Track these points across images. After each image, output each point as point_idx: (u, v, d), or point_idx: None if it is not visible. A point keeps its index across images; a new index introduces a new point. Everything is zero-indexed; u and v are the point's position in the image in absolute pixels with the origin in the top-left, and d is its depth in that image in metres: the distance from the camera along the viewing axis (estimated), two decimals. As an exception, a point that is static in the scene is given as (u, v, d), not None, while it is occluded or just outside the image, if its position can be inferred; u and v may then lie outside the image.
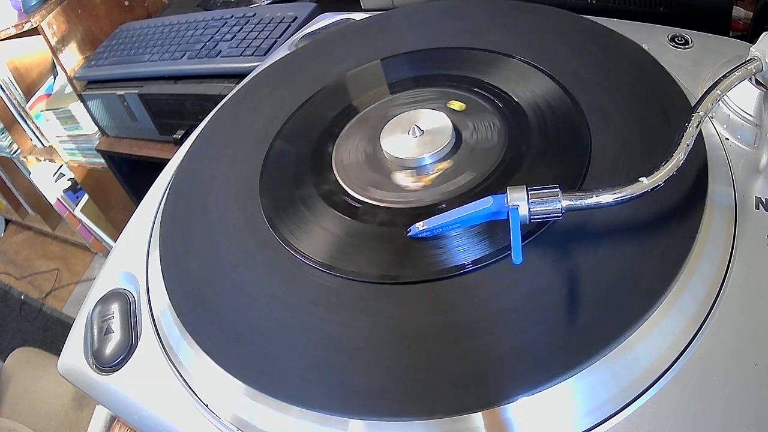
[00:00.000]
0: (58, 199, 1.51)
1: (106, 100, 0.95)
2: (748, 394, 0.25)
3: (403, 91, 0.46)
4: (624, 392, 0.26)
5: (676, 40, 0.44)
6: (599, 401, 0.26)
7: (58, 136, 1.30)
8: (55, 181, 1.49)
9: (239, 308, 0.35)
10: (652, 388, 0.26)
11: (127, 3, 1.13)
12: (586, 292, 0.30)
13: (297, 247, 0.36)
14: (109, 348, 0.36)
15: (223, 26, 0.84)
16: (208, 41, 0.83)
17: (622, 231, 0.32)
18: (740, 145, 0.36)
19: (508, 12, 0.51)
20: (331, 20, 0.61)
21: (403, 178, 0.39)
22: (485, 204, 0.31)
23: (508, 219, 0.30)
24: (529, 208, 0.30)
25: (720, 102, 0.36)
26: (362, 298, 0.33)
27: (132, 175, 1.12)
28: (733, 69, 0.33)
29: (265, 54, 0.75)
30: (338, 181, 0.40)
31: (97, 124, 1.04)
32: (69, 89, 1.14)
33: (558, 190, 0.30)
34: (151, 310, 0.38)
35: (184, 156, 0.48)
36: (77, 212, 1.51)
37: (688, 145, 0.30)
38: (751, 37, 0.46)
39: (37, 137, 1.39)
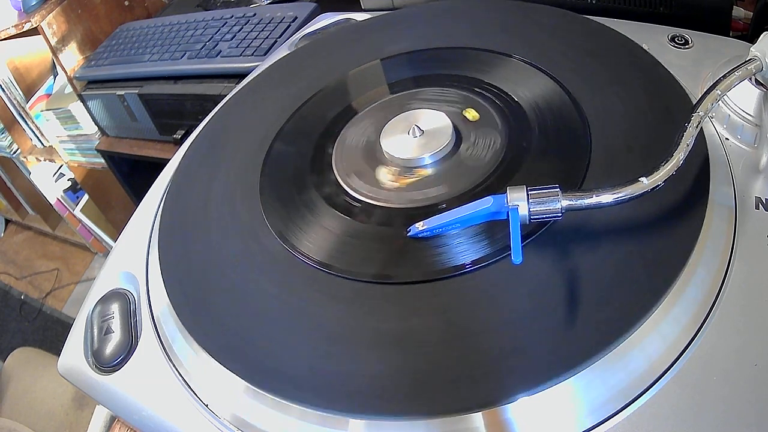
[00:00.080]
0: (58, 199, 1.51)
1: (106, 100, 0.95)
2: (748, 394, 0.26)
3: (403, 91, 0.46)
4: (624, 392, 0.26)
5: (676, 40, 0.44)
6: (599, 401, 0.26)
7: (58, 136, 1.30)
8: (55, 181, 1.49)
9: (239, 307, 0.35)
10: (652, 388, 0.26)
11: (127, 3, 1.13)
12: (586, 292, 0.30)
13: (297, 247, 0.36)
14: (109, 348, 0.36)
15: (223, 26, 0.84)
16: (208, 41, 0.83)
17: (623, 231, 0.32)
18: (740, 145, 0.36)
19: (508, 12, 0.51)
20: (331, 20, 0.61)
21: (386, 176, 0.39)
22: (485, 204, 0.31)
23: (507, 219, 0.30)
24: (529, 208, 0.30)
25: (720, 102, 0.36)
26: (362, 298, 0.33)
27: (132, 175, 1.12)
28: (733, 69, 0.33)
29: (265, 54, 0.75)
30: (338, 181, 0.40)
31: (97, 124, 1.04)
32: (69, 89, 1.14)
33: (558, 190, 0.30)
34: (151, 310, 0.38)
35: (184, 156, 0.48)
36: (77, 212, 1.51)
37: (688, 145, 0.30)
38: (751, 37, 0.46)
39: (37, 137, 1.39)
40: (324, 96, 0.49)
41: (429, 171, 0.39)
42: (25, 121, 1.37)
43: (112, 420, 0.44)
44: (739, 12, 0.52)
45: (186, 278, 0.37)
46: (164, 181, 0.47)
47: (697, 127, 0.31)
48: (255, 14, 0.84)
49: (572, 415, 0.26)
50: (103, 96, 0.95)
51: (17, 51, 1.29)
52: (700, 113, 0.32)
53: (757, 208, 0.32)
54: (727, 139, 0.36)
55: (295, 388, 0.30)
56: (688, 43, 0.43)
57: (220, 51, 0.80)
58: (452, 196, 0.37)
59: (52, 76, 1.34)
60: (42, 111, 1.28)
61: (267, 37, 0.77)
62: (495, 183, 0.36)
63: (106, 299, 0.39)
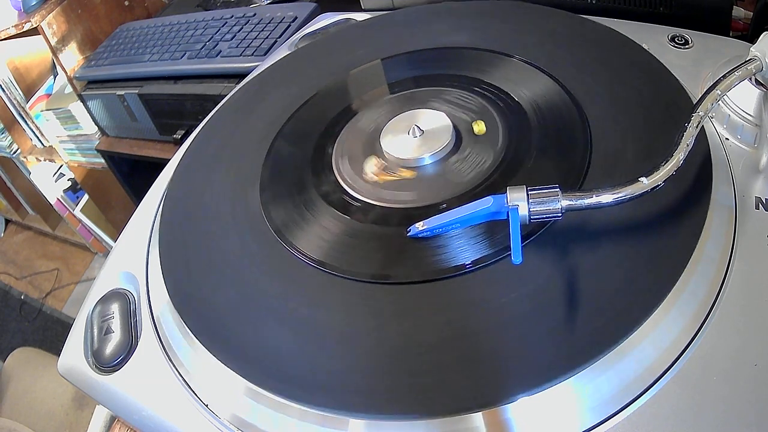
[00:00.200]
0: (58, 199, 1.51)
1: (106, 100, 0.95)
2: (748, 394, 0.26)
3: (403, 90, 0.46)
4: (624, 392, 0.26)
5: (676, 40, 0.44)
6: (599, 401, 0.26)
7: (58, 136, 1.30)
8: (55, 181, 1.49)
9: (240, 307, 0.35)
10: (652, 388, 0.26)
11: (127, 3, 1.13)
12: (586, 292, 0.30)
13: (297, 246, 0.36)
14: (109, 348, 0.36)
15: (223, 26, 0.84)
16: (208, 41, 0.83)
17: (623, 231, 0.32)
18: (740, 145, 0.36)
19: (508, 12, 0.51)
20: (331, 20, 0.61)
21: (375, 168, 0.40)
22: (485, 204, 0.31)
23: (507, 219, 0.30)
24: (529, 208, 0.30)
25: (720, 102, 0.36)
26: (362, 298, 0.33)
27: (132, 175, 1.12)
28: (733, 69, 0.33)
29: (265, 54, 0.75)
30: (338, 181, 0.40)
31: (97, 124, 1.04)
32: (69, 89, 1.14)
33: (558, 190, 0.30)
34: (151, 310, 0.38)
35: (184, 156, 0.48)
36: (77, 212, 1.51)
37: (688, 145, 0.30)
38: (751, 37, 0.46)
39: (37, 137, 1.39)
40: (324, 96, 0.49)
41: (428, 171, 0.39)
42: (25, 121, 1.37)
43: (112, 420, 0.44)
44: (739, 12, 0.52)
45: (186, 278, 0.37)
46: (164, 181, 0.47)
47: (697, 127, 0.31)
48: (255, 14, 0.84)
49: (572, 415, 0.26)
50: (103, 96, 0.95)
51: (17, 51, 1.29)
52: (700, 113, 0.32)
53: (757, 208, 0.32)
54: (727, 139, 0.36)
55: (296, 387, 0.30)
56: (688, 43, 0.43)
57: (220, 51, 0.80)
58: (452, 196, 0.37)
59: (52, 76, 1.34)
60: (42, 111, 1.28)
61: (267, 37, 0.77)
62: (495, 183, 0.36)
63: (106, 299, 0.39)
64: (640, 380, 0.27)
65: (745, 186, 0.34)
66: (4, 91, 1.31)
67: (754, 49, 0.34)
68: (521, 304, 0.30)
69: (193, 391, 0.33)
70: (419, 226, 0.34)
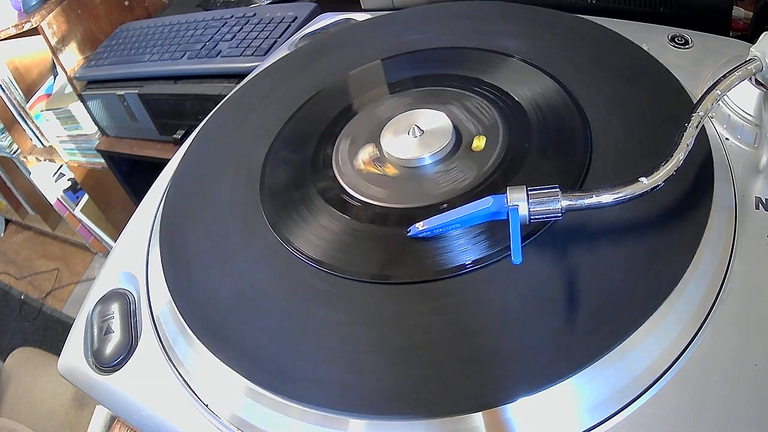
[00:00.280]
0: (58, 199, 1.51)
1: (106, 100, 0.95)
2: (748, 394, 0.26)
3: (403, 90, 0.46)
4: (624, 392, 0.26)
5: (676, 40, 0.44)
6: (599, 401, 0.26)
7: (58, 136, 1.30)
8: (55, 181, 1.49)
9: (240, 307, 0.35)
10: (652, 388, 0.26)
11: (127, 3, 1.13)
12: (586, 292, 0.30)
13: (297, 246, 0.36)
14: (109, 348, 0.36)
15: (223, 26, 0.84)
16: (208, 41, 0.83)
17: (623, 231, 0.32)
18: (740, 145, 0.36)
19: (508, 13, 0.51)
20: (331, 20, 0.61)
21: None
22: (485, 204, 0.31)
23: (508, 219, 0.30)
24: (529, 209, 0.30)
25: (720, 102, 0.36)
26: (363, 298, 0.33)
27: (132, 175, 1.12)
28: (733, 69, 0.33)
29: (265, 54, 0.75)
30: (338, 181, 0.40)
31: (97, 124, 1.04)
32: (69, 89, 1.14)
33: (558, 190, 0.30)
34: (151, 310, 0.38)
35: (184, 156, 0.48)
36: (77, 212, 1.51)
37: (688, 145, 0.30)
38: (751, 37, 0.46)
39: (37, 137, 1.39)
40: (324, 96, 0.49)
41: (426, 171, 0.39)
42: (25, 121, 1.37)
43: (112, 420, 0.44)
44: (739, 12, 0.52)
45: (186, 278, 0.37)
46: (164, 181, 0.47)
47: (697, 127, 0.31)
48: (255, 14, 0.84)
49: (572, 415, 0.26)
50: (103, 96, 0.95)
51: (17, 51, 1.29)
52: (700, 113, 0.32)
53: (757, 208, 0.32)
54: (727, 139, 0.36)
55: (296, 387, 0.30)
56: (688, 43, 0.43)
57: (220, 51, 0.80)
58: (452, 196, 0.37)
59: (52, 76, 1.34)
60: (42, 111, 1.28)
61: (267, 37, 0.77)
62: (495, 183, 0.36)
63: (106, 299, 0.39)
64: (640, 380, 0.27)
65: (745, 186, 0.34)
66: (4, 91, 1.31)
67: (754, 49, 0.34)
68: (521, 305, 0.30)
69: (193, 391, 0.33)
70: (419, 226, 0.34)
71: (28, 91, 1.32)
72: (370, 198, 0.38)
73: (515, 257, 0.28)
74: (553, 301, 0.30)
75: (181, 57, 0.84)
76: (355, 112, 0.46)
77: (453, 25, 0.52)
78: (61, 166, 1.45)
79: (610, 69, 0.42)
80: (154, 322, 0.37)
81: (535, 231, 0.33)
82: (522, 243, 0.29)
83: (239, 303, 0.35)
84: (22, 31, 1.05)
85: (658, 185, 0.29)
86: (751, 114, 0.36)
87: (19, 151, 1.47)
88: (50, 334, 1.66)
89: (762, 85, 0.35)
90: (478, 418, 0.27)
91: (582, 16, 0.48)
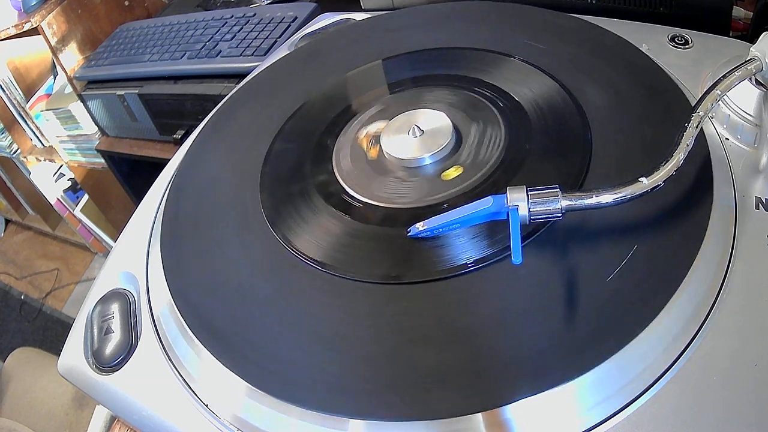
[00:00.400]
0: (58, 199, 1.51)
1: (106, 100, 0.95)
2: (748, 394, 0.25)
3: (403, 91, 0.46)
4: (624, 392, 0.26)
5: (676, 40, 0.44)
6: (599, 401, 0.26)
7: (58, 136, 1.30)
8: (55, 181, 1.49)
9: (240, 308, 0.35)
10: (652, 388, 0.26)
11: (127, 3, 1.13)
12: (586, 293, 0.30)
13: (297, 247, 0.36)
14: (109, 348, 0.36)
15: (223, 26, 0.84)
16: (208, 41, 0.83)
17: (623, 232, 0.32)
18: (740, 145, 0.36)
19: (508, 13, 0.51)
20: (331, 20, 0.61)
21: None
22: (485, 204, 0.31)
23: (508, 219, 0.30)
24: (529, 209, 0.30)
25: (720, 102, 0.36)
26: (363, 298, 0.33)
27: (132, 175, 1.12)
28: (733, 69, 0.33)
29: (265, 54, 0.75)
30: (338, 181, 0.40)
31: (97, 124, 1.04)
32: (69, 89, 1.14)
33: (558, 190, 0.30)
34: (151, 310, 0.38)
35: (184, 156, 0.48)
36: (77, 212, 1.51)
37: (688, 145, 0.30)
38: (751, 37, 0.46)
39: (37, 137, 1.39)
40: (324, 96, 0.49)
41: (427, 172, 0.39)
42: (25, 121, 1.37)
43: (112, 420, 0.44)
44: (739, 12, 0.52)
45: (186, 278, 0.37)
46: (164, 181, 0.47)
47: (697, 127, 0.31)
48: (255, 14, 0.84)
49: (572, 415, 0.26)
50: (103, 96, 0.95)
51: (17, 51, 1.29)
52: (700, 113, 0.32)
53: (757, 208, 0.32)
54: (727, 139, 0.36)
55: (296, 389, 0.30)
56: (688, 43, 0.43)
57: (220, 51, 0.80)
58: (452, 196, 0.36)
59: (52, 76, 1.34)
60: (42, 111, 1.28)
61: (267, 37, 0.77)
62: (495, 183, 0.36)
63: (106, 299, 0.39)
64: (640, 380, 0.27)
65: (745, 186, 0.34)
66: (4, 91, 1.31)
67: (754, 49, 0.34)
68: (521, 305, 0.30)
69: (193, 391, 0.33)
70: (419, 227, 0.34)
71: (28, 91, 1.32)
72: (371, 198, 0.38)
73: (515, 257, 0.28)
74: (553, 301, 0.30)
75: (181, 57, 0.84)
76: (355, 113, 0.46)
77: (453, 25, 0.52)
78: (61, 166, 1.45)
79: (610, 69, 0.42)
80: (154, 322, 0.37)
81: (535, 231, 0.33)
82: (522, 243, 0.29)
83: (239, 304, 0.35)
84: (22, 31, 1.05)
85: (658, 185, 0.29)
86: (751, 114, 0.36)
87: (19, 151, 1.47)
88: (50, 334, 1.66)
89: (762, 85, 0.35)
90: (477, 418, 0.27)
91: (582, 16, 0.48)
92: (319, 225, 0.38)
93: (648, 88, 0.39)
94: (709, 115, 0.35)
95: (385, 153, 0.40)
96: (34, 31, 1.03)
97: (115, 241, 0.45)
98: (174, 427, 0.32)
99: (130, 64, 0.91)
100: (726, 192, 0.33)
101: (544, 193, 0.30)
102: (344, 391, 0.29)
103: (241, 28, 0.82)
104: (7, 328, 1.72)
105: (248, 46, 0.77)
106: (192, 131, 0.52)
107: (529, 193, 0.30)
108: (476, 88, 0.43)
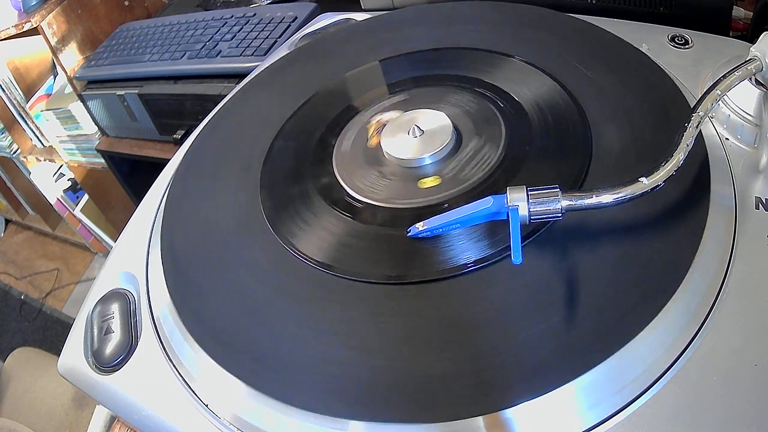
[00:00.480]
0: (58, 199, 1.51)
1: (106, 100, 0.95)
2: (748, 394, 0.25)
3: (403, 91, 0.46)
4: (624, 392, 0.26)
5: (676, 40, 0.44)
6: (599, 401, 0.26)
7: (58, 136, 1.30)
8: (55, 181, 1.49)
9: (240, 308, 0.35)
10: (652, 388, 0.26)
11: (127, 3, 1.13)
12: (586, 293, 0.30)
13: (297, 247, 0.36)
14: (109, 348, 0.36)
15: (223, 26, 0.84)
16: (208, 41, 0.83)
17: (624, 232, 0.32)
18: (740, 145, 0.36)
19: (508, 13, 0.51)
20: (331, 20, 0.61)
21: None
22: (485, 204, 0.31)
23: (508, 219, 0.30)
24: (529, 209, 0.30)
25: (720, 102, 0.36)
26: (363, 299, 0.33)
27: (132, 175, 1.11)
28: (733, 69, 0.33)
29: (265, 54, 0.75)
30: (339, 181, 0.40)
31: (97, 124, 1.04)
32: (69, 89, 1.14)
33: (558, 190, 0.30)
34: (151, 310, 0.38)
35: (184, 156, 0.48)
36: (77, 212, 1.51)
37: (688, 145, 0.30)
38: (751, 37, 0.46)
39: (37, 137, 1.39)
40: (324, 96, 0.49)
41: (429, 173, 0.39)
42: (25, 121, 1.37)
43: (112, 420, 0.44)
44: (739, 12, 0.52)
45: (186, 279, 0.37)
46: (164, 181, 0.47)
47: (697, 127, 0.31)
48: (255, 14, 0.84)
49: (572, 415, 0.26)
50: (103, 96, 0.95)
51: (17, 51, 1.29)
52: (700, 113, 0.32)
53: (757, 208, 0.32)
54: (727, 139, 0.36)
55: (296, 391, 0.30)
56: (688, 43, 0.43)
57: (220, 51, 0.80)
58: (452, 196, 0.36)
59: (52, 76, 1.34)
60: (42, 111, 1.28)
61: (267, 37, 0.77)
62: (495, 183, 0.36)
63: (106, 299, 0.39)
64: (640, 380, 0.27)
65: (745, 186, 0.34)
66: (4, 91, 1.31)
67: (754, 49, 0.34)
68: (521, 305, 0.30)
69: (193, 391, 0.33)
70: (419, 227, 0.34)
71: (28, 91, 1.32)
72: (371, 198, 0.38)
73: (515, 258, 0.28)
74: (553, 301, 0.30)
75: (181, 57, 0.84)
76: (354, 113, 0.46)
77: (453, 25, 0.52)
78: (61, 166, 1.45)
79: (610, 70, 0.42)
80: (154, 322, 0.37)
81: (535, 231, 0.33)
82: (522, 243, 0.29)
83: (239, 305, 0.35)
84: (22, 31, 1.05)
85: (658, 185, 0.29)
86: (751, 114, 0.36)
87: (19, 151, 1.47)
88: (50, 334, 1.66)
89: (762, 85, 0.35)
90: (478, 421, 0.27)
91: (582, 16, 0.48)
92: (319, 226, 0.38)
93: (648, 88, 0.39)
94: (709, 115, 0.35)
95: (385, 153, 0.40)
96: (34, 31, 1.03)
97: (115, 241, 0.45)
98: (174, 427, 0.32)
99: (130, 64, 0.91)
100: (726, 192, 0.33)
101: (544, 193, 0.30)
102: (344, 393, 0.29)
103: (241, 28, 0.82)
104: (7, 328, 1.72)
105: (248, 46, 0.77)
106: (192, 131, 0.52)
107: (529, 193, 0.30)
108: (476, 88, 0.43)
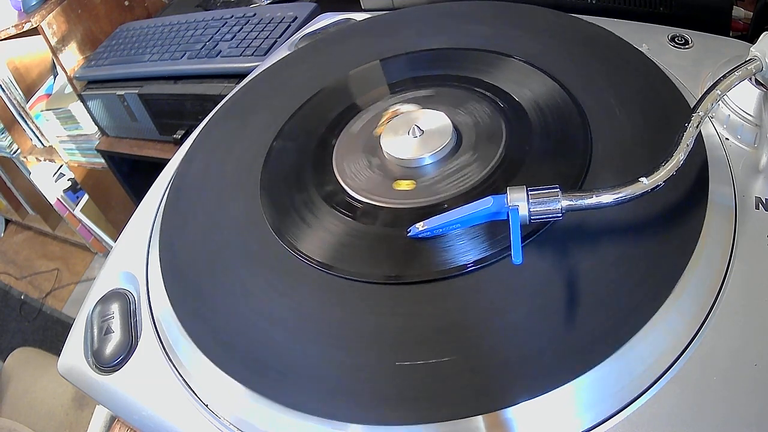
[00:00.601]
0: (58, 199, 1.51)
1: (106, 100, 0.95)
2: (748, 394, 0.25)
3: (403, 91, 0.46)
4: (624, 392, 0.26)
5: (676, 40, 0.44)
6: (599, 401, 0.26)
7: (58, 136, 1.30)
8: (55, 181, 1.49)
9: (240, 309, 0.35)
10: (652, 388, 0.26)
11: (127, 3, 1.13)
12: (587, 293, 0.30)
13: (297, 248, 0.36)
14: (109, 348, 0.36)
15: (223, 26, 0.84)
16: (208, 41, 0.83)
17: (623, 232, 0.32)
18: (740, 145, 0.36)
19: (507, 13, 0.51)
20: (331, 20, 0.61)
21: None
22: (485, 204, 0.31)
23: (508, 219, 0.30)
24: (529, 209, 0.30)
25: (720, 102, 0.36)
26: (363, 300, 0.33)
27: (132, 175, 1.12)
28: (733, 69, 0.33)
29: (265, 54, 0.75)
30: (338, 182, 0.40)
31: (97, 124, 1.04)
32: (69, 89, 1.14)
33: (558, 190, 0.30)
34: (151, 310, 0.38)
35: (184, 156, 0.48)
36: (77, 212, 1.51)
37: (688, 145, 0.30)
38: (751, 37, 0.46)
39: (37, 137, 1.39)
40: (324, 96, 0.49)
41: (428, 173, 0.39)
42: (25, 121, 1.37)
43: (112, 420, 0.44)
44: (739, 12, 0.52)
45: (186, 279, 0.37)
46: (164, 181, 0.47)
47: (697, 127, 0.31)
48: (255, 14, 0.84)
49: (572, 415, 0.26)
50: (103, 96, 0.95)
51: (17, 51, 1.29)
52: (700, 113, 0.32)
53: (757, 208, 0.32)
54: (727, 139, 0.36)
55: (296, 392, 0.30)
56: (688, 43, 0.43)
57: (220, 51, 0.80)
58: (451, 196, 0.36)
59: (52, 76, 1.34)
60: (42, 111, 1.28)
61: (267, 37, 0.77)
62: (495, 183, 0.36)
63: (106, 299, 0.39)
64: (640, 380, 0.27)
65: (745, 186, 0.34)
66: (4, 91, 1.31)
67: (754, 49, 0.34)
68: (521, 305, 0.30)
69: (193, 391, 0.33)
70: (419, 227, 0.34)
71: (28, 91, 1.32)
72: (371, 198, 0.38)
73: (515, 258, 0.28)
74: (553, 301, 0.30)
75: (181, 57, 0.84)
76: (354, 113, 0.46)
77: (453, 25, 0.52)
78: (61, 166, 1.45)
79: (610, 70, 0.42)
80: (154, 322, 0.37)
81: (535, 231, 0.33)
82: (522, 243, 0.29)
83: (239, 305, 0.35)
84: (22, 31, 1.05)
85: (658, 185, 0.29)
86: (751, 114, 0.36)
87: (19, 151, 1.47)
88: (50, 334, 1.66)
89: (762, 85, 0.35)
90: (478, 419, 0.27)
91: (582, 16, 0.48)
92: (319, 226, 0.38)
93: (648, 88, 0.39)
94: (709, 115, 0.35)
95: (385, 153, 0.40)
96: (34, 31, 1.03)
97: (115, 241, 0.45)
98: (174, 427, 0.32)
99: (130, 64, 0.91)
100: (726, 192, 0.33)
101: (544, 193, 0.30)
102: (344, 395, 0.29)
103: (241, 28, 0.82)
104: (7, 328, 1.72)
105: (248, 46, 0.77)
106: (192, 131, 0.52)
107: (530, 193, 0.30)
108: (476, 88, 0.43)
